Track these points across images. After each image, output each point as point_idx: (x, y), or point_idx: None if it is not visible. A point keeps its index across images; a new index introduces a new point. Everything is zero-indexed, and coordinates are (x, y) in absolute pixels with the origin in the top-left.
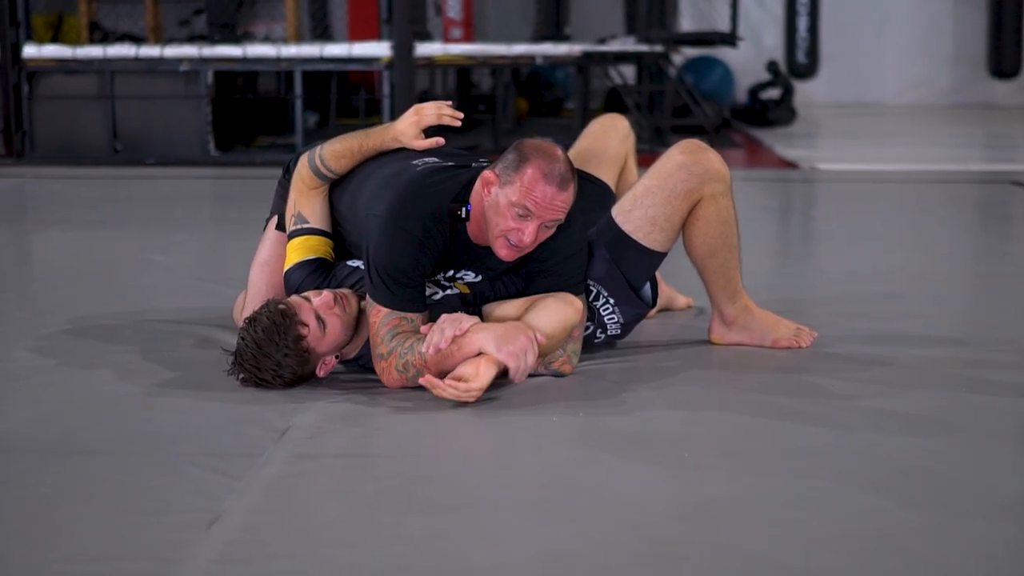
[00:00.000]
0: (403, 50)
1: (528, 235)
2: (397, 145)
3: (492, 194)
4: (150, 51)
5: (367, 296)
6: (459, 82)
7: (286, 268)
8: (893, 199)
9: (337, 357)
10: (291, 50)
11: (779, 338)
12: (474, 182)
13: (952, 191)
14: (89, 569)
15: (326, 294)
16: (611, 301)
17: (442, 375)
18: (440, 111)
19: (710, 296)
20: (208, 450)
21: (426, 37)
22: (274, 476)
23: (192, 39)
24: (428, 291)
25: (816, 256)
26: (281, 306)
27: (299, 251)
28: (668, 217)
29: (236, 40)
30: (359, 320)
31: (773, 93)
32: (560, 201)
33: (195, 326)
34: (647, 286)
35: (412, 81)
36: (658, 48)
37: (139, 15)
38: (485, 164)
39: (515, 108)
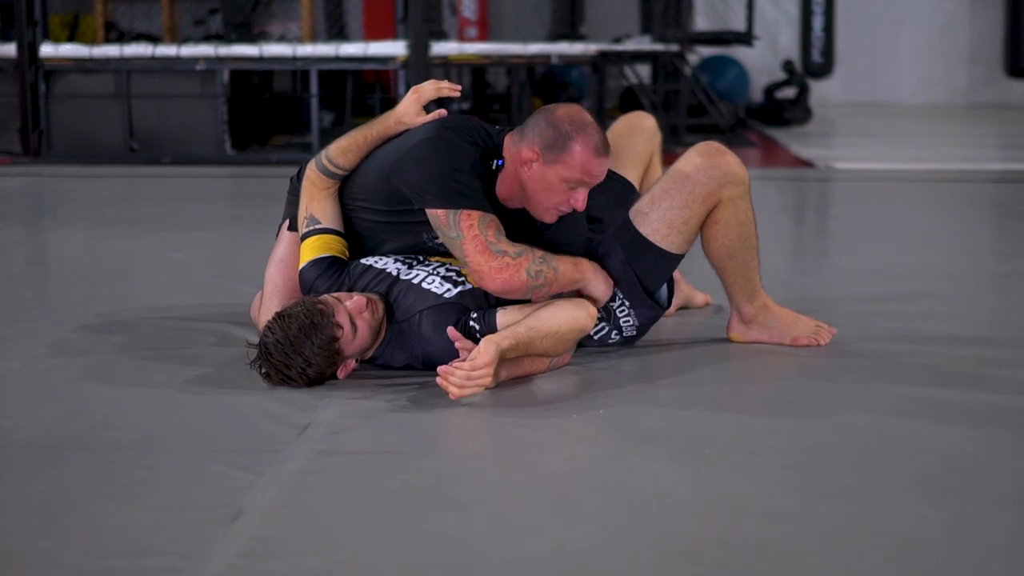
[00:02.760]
0: (419, 49)
1: (583, 202)
2: (401, 128)
3: (534, 170)
4: (166, 50)
5: (440, 216)
6: (474, 81)
7: (300, 266)
8: (909, 198)
9: (357, 360)
10: (307, 49)
11: (798, 336)
12: (502, 142)
13: (968, 190)
14: (112, 564)
15: (358, 298)
16: (626, 303)
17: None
18: (438, 85)
19: (729, 295)
20: (229, 446)
21: (441, 36)
22: (295, 472)
23: (208, 38)
24: (459, 277)
25: (833, 255)
26: (319, 305)
27: (313, 249)
28: (686, 220)
29: (252, 39)
30: (381, 324)
31: (788, 92)
32: (607, 164)
33: (213, 323)
34: (663, 288)
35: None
36: (673, 47)
37: (155, 15)
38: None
39: (531, 108)
